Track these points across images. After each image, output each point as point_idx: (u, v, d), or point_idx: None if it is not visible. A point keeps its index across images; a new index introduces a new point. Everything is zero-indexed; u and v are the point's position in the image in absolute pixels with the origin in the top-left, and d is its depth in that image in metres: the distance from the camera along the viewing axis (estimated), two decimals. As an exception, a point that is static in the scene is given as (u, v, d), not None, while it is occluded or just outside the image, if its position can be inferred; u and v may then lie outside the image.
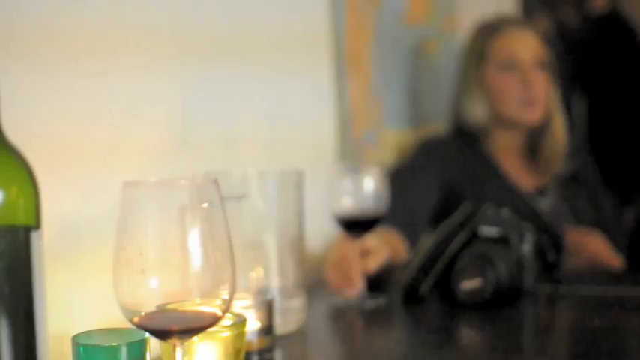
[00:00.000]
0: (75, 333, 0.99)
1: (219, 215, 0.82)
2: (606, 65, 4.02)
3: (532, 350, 1.43)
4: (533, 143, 2.36)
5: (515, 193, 2.27)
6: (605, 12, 4.15)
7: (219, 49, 1.68)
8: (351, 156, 2.18)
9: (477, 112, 2.31)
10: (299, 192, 1.49)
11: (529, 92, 2.27)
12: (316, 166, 1.88)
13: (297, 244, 1.50)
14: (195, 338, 0.85)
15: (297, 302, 1.49)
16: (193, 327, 0.83)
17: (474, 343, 1.53)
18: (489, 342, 1.49)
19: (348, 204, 1.69)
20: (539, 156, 2.35)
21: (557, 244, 1.82)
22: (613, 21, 4.13)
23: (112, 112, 1.37)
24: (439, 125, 2.59)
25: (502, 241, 1.68)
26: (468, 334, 1.58)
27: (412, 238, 2.09)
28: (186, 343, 0.85)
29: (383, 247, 1.77)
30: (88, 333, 1.00)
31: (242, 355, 1.16)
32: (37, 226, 0.93)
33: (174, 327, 0.82)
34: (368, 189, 1.69)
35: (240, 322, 1.16)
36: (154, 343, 0.99)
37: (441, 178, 2.25)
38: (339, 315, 1.66)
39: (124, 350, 0.96)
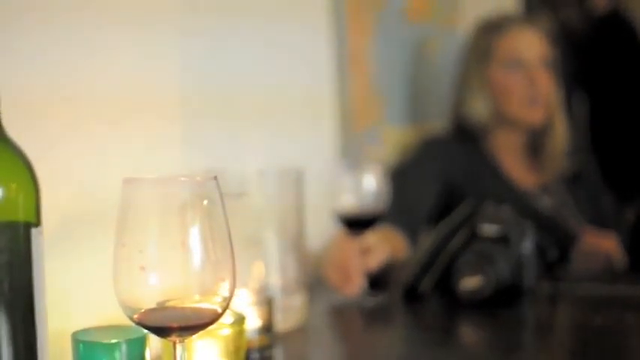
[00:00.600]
0: (75, 330, 0.99)
1: (219, 212, 0.82)
2: (608, 65, 4.01)
3: (532, 349, 1.43)
4: (535, 142, 2.36)
5: (515, 191, 2.26)
6: (607, 11, 4.14)
7: (222, 43, 1.68)
8: (351, 153, 2.18)
9: (479, 110, 2.30)
10: (299, 189, 1.49)
11: (534, 91, 2.27)
12: (317, 163, 1.88)
13: (297, 242, 1.50)
14: (195, 336, 0.85)
15: (298, 300, 1.49)
16: (193, 324, 0.83)
17: (474, 341, 1.53)
18: (489, 340, 1.49)
19: (349, 201, 1.69)
20: (541, 155, 2.35)
21: (559, 243, 1.82)
22: (615, 20, 4.12)
23: (109, 104, 1.36)
24: (441, 123, 2.58)
25: (502, 239, 1.67)
26: (468, 333, 1.58)
27: (412, 237, 2.09)
28: (186, 341, 0.84)
29: (383, 245, 1.77)
30: (87, 330, 1.00)
31: (242, 352, 1.16)
32: (37, 222, 0.92)
33: (174, 324, 0.82)
34: (368, 186, 1.69)
35: (240, 319, 1.16)
36: (153, 341, 0.99)
37: (441, 177, 2.25)
38: (339, 313, 1.66)
39: (123, 347, 0.96)
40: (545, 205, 2.28)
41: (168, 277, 0.80)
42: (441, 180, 2.25)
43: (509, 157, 2.34)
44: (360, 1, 2.29)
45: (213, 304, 0.82)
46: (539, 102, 2.28)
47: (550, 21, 2.41)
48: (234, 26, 1.72)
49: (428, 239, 1.80)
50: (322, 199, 1.70)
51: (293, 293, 1.48)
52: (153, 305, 0.80)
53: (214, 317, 0.83)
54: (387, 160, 2.31)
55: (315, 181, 1.65)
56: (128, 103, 1.40)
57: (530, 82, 2.27)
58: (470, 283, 1.61)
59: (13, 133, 0.92)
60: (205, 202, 0.81)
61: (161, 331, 0.83)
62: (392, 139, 2.45)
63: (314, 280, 1.73)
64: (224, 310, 0.83)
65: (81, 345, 0.97)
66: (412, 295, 1.70)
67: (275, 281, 1.46)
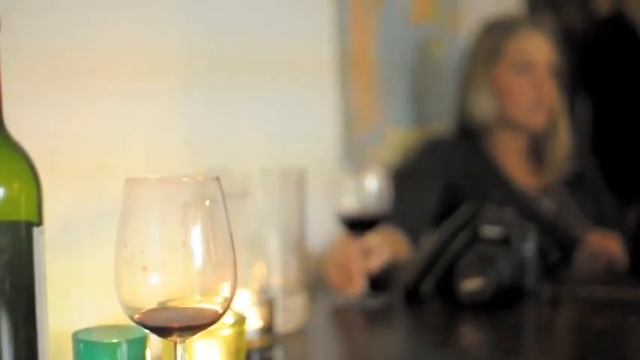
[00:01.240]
0: (76, 329, 0.99)
1: (221, 213, 0.82)
2: (610, 66, 4.01)
3: (533, 351, 1.43)
4: (537, 145, 2.36)
5: (516, 194, 2.26)
6: (610, 13, 4.14)
7: (223, 51, 1.68)
8: (353, 155, 2.18)
9: (484, 109, 2.30)
10: (301, 190, 1.49)
11: (539, 96, 2.27)
12: (319, 164, 1.88)
13: (299, 243, 1.50)
14: (195, 336, 0.85)
15: (299, 301, 1.49)
16: (194, 325, 0.83)
17: (475, 343, 1.53)
18: (490, 342, 1.49)
19: (351, 203, 1.69)
20: (543, 158, 2.35)
21: (560, 246, 1.82)
22: (618, 22, 4.12)
23: (113, 108, 1.36)
24: (443, 125, 2.58)
25: (504, 241, 1.67)
26: (469, 335, 1.58)
27: (414, 238, 2.09)
28: (186, 341, 0.84)
29: (385, 247, 1.77)
30: (88, 329, 1.00)
31: (243, 353, 1.16)
32: (39, 222, 0.92)
33: (175, 324, 0.82)
34: (370, 188, 1.69)
35: (241, 320, 1.16)
36: (154, 341, 0.99)
37: (443, 179, 2.25)
38: (341, 314, 1.66)
39: (124, 347, 0.96)
40: (546, 208, 2.28)
41: (169, 277, 0.80)
42: (442, 181, 2.24)
43: (511, 159, 2.34)
44: (363, 2, 2.29)
45: (214, 305, 0.82)
46: (543, 107, 2.28)
47: (553, 22, 2.40)
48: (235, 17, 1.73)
49: (429, 241, 1.80)
50: (324, 200, 1.70)
51: (294, 294, 1.48)
52: (154, 305, 0.80)
53: (215, 318, 0.83)
54: (389, 162, 2.31)
55: (318, 182, 1.65)
56: (131, 105, 1.41)
57: (536, 87, 2.26)
58: (471, 284, 1.61)
59: (15, 132, 0.92)
60: (207, 202, 0.81)
61: (162, 332, 0.83)
62: (394, 140, 2.45)
63: (315, 280, 1.73)
64: (225, 311, 0.83)
65: (81, 345, 0.97)
66: (413, 297, 1.70)
67: (276, 282, 1.46)
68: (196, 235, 0.80)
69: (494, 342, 1.47)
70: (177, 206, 0.81)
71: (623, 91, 3.96)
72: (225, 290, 0.82)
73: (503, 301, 1.61)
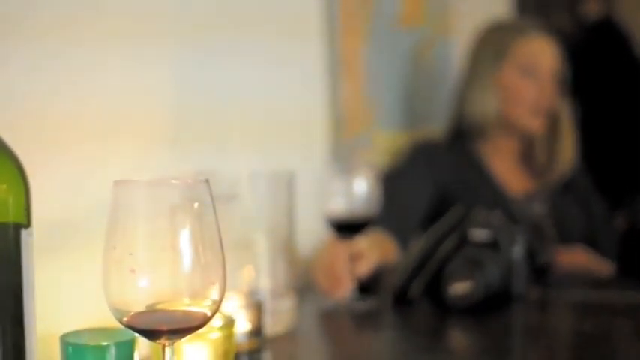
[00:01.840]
0: (64, 332, 0.99)
1: (210, 215, 0.82)
2: (599, 71, 4.02)
3: (521, 354, 1.43)
4: (529, 150, 2.36)
5: (504, 197, 2.26)
6: (599, 18, 4.15)
7: (211, 46, 1.68)
8: (343, 158, 2.18)
9: (485, 108, 2.28)
10: (290, 193, 1.49)
11: (542, 101, 2.27)
12: (308, 167, 1.88)
13: (287, 245, 1.50)
14: (184, 339, 0.85)
15: (287, 303, 1.49)
16: (183, 327, 0.83)
17: (464, 346, 1.53)
18: (479, 345, 1.49)
19: (340, 206, 1.69)
20: (535, 162, 2.35)
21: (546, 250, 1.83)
22: (607, 27, 4.13)
23: (101, 109, 1.36)
24: (432, 128, 2.59)
25: (492, 244, 1.68)
26: (458, 338, 1.58)
27: (403, 241, 2.09)
28: (175, 344, 0.84)
29: (373, 251, 1.77)
30: (76, 332, 1.00)
31: (231, 356, 1.16)
32: (27, 224, 0.92)
33: (164, 327, 0.82)
34: (359, 191, 1.69)
35: (229, 322, 1.16)
36: (142, 343, 0.99)
37: (432, 182, 2.25)
38: (329, 317, 1.66)
39: (112, 350, 0.96)
40: (534, 213, 2.28)
41: (158, 279, 0.80)
42: (431, 185, 2.24)
43: (503, 162, 2.34)
44: (353, 6, 2.29)
45: (203, 307, 0.82)
46: (541, 112, 2.28)
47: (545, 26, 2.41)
48: (224, 34, 1.72)
49: (418, 244, 1.80)
50: (313, 203, 1.70)
51: (282, 297, 1.48)
52: (142, 308, 0.80)
53: (204, 320, 0.83)
54: (379, 165, 2.31)
55: (306, 184, 1.65)
56: (120, 108, 1.40)
57: (539, 91, 2.26)
58: (459, 288, 1.61)
59: (7, 137, 0.92)
60: (196, 204, 0.81)
61: (150, 334, 0.83)
62: (383, 143, 2.45)
63: (304, 284, 1.73)
64: (214, 314, 0.83)
65: (70, 347, 0.96)
66: (402, 300, 1.70)
67: (265, 285, 1.46)
68: (185, 237, 0.80)
69: (483, 345, 1.48)
70: (165, 208, 0.81)
71: (612, 95, 3.98)
72: (213, 293, 0.82)
73: (492, 304, 1.62)
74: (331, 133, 2.16)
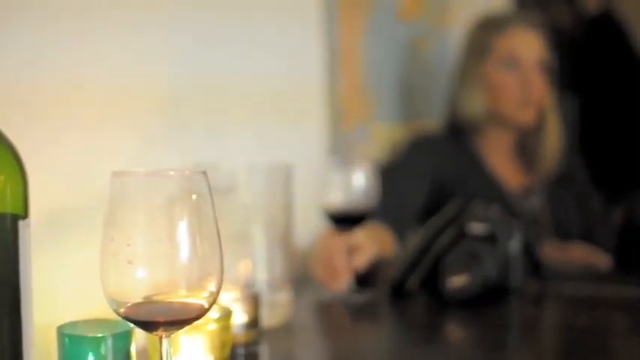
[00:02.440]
0: (61, 323, 0.99)
1: (207, 207, 0.82)
2: (598, 66, 4.02)
3: (518, 348, 1.43)
4: (525, 143, 2.36)
5: (502, 191, 2.27)
6: (599, 12, 4.14)
7: (210, 39, 1.68)
8: (341, 150, 2.18)
9: (474, 106, 2.30)
10: (288, 185, 1.49)
11: (527, 92, 2.27)
12: (306, 160, 1.87)
13: (285, 238, 1.50)
14: (181, 330, 0.85)
15: (284, 296, 1.49)
16: (180, 319, 0.83)
17: (460, 339, 1.53)
18: (475, 339, 1.49)
19: (338, 198, 1.69)
20: (530, 156, 2.35)
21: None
22: (606, 21, 4.12)
23: (96, 98, 1.36)
24: (430, 121, 2.59)
25: (490, 238, 1.67)
26: (454, 331, 1.58)
27: (401, 234, 2.09)
28: (172, 336, 0.84)
29: (371, 243, 1.77)
30: (73, 323, 1.00)
31: (228, 348, 1.16)
32: (25, 215, 0.92)
33: (161, 319, 0.82)
34: (358, 183, 1.69)
35: (226, 315, 1.16)
36: (139, 335, 0.98)
37: (430, 175, 2.25)
38: (326, 309, 1.66)
39: (109, 341, 0.96)
40: (531, 207, 2.29)
41: (155, 271, 0.80)
42: (429, 178, 2.25)
43: (499, 156, 2.34)
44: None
45: (200, 299, 0.82)
46: (531, 103, 2.28)
47: (542, 20, 2.41)
48: (224, 23, 1.72)
49: (416, 237, 1.80)
50: (311, 196, 1.70)
51: (280, 289, 1.48)
52: (139, 299, 0.80)
53: (201, 312, 0.83)
54: (377, 158, 2.31)
55: (305, 177, 1.65)
56: (118, 98, 1.40)
57: (524, 83, 2.27)
58: (457, 281, 1.62)
59: (3, 127, 0.92)
60: (194, 196, 0.81)
61: (147, 326, 0.83)
62: (381, 136, 2.45)
63: (301, 276, 1.73)
64: (211, 305, 0.83)
65: (66, 338, 0.96)
66: (399, 293, 1.70)
67: (262, 277, 1.46)
68: (182, 229, 0.80)
69: (480, 339, 1.48)
70: (163, 200, 0.81)
71: (610, 90, 3.98)
72: (210, 285, 0.82)
73: (489, 298, 1.62)
74: (330, 125, 2.16)
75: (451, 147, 2.31)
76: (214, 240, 0.82)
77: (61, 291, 1.24)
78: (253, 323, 1.30)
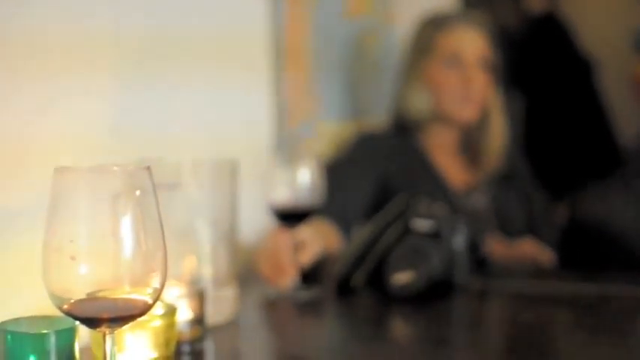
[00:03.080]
0: (2, 320, 0.98)
1: (151, 203, 0.82)
2: (543, 65, 4.07)
3: (462, 343, 1.44)
4: (469, 141, 2.37)
5: (445, 189, 2.28)
6: (544, 12, 4.19)
7: (153, 37, 1.67)
8: (287, 147, 2.18)
9: (418, 104, 2.31)
10: (233, 181, 1.49)
11: (468, 89, 2.28)
12: (251, 155, 1.87)
13: (230, 234, 1.49)
14: (125, 327, 0.85)
15: (230, 292, 1.48)
16: (124, 315, 0.82)
17: (406, 335, 1.54)
18: (420, 335, 1.50)
19: (283, 195, 1.69)
20: (475, 154, 2.37)
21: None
22: (550, 22, 4.17)
23: (40, 95, 1.35)
24: (377, 118, 2.59)
25: (435, 235, 1.68)
26: (400, 327, 1.59)
27: (346, 231, 2.09)
28: (116, 332, 0.84)
29: (316, 240, 1.77)
30: (16, 320, 0.99)
31: (172, 344, 1.15)
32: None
33: (105, 315, 0.81)
34: (303, 180, 1.69)
35: (171, 311, 1.15)
36: (83, 332, 0.98)
37: (376, 172, 2.26)
38: (272, 306, 1.66)
39: (52, 338, 0.95)
40: (475, 204, 2.30)
41: (98, 267, 0.79)
42: (375, 175, 2.25)
43: (443, 154, 2.35)
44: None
45: (144, 296, 0.81)
46: (472, 100, 2.29)
47: (487, 20, 2.43)
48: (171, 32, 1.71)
49: (361, 233, 1.81)
50: (256, 192, 1.70)
51: (225, 285, 1.48)
52: (83, 296, 0.80)
53: (145, 308, 0.83)
54: (323, 154, 2.31)
55: (250, 173, 1.64)
56: (57, 89, 1.39)
57: (465, 80, 2.28)
58: (402, 277, 1.62)
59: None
60: (138, 192, 0.81)
61: (91, 322, 0.83)
62: (328, 132, 2.45)
63: (246, 272, 1.72)
64: (155, 302, 0.83)
65: (9, 336, 0.95)
66: (345, 289, 1.70)
67: (207, 273, 1.45)
68: (126, 225, 0.79)
69: (425, 334, 1.49)
70: (107, 196, 0.80)
71: (555, 89, 4.02)
72: (155, 281, 0.81)
73: (434, 294, 1.63)
74: (275, 122, 2.16)
75: (396, 144, 2.32)
76: (158, 236, 0.82)
77: (4, 287, 1.22)
78: (198, 320, 1.29)
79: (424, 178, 2.29)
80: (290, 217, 1.70)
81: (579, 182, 2.92)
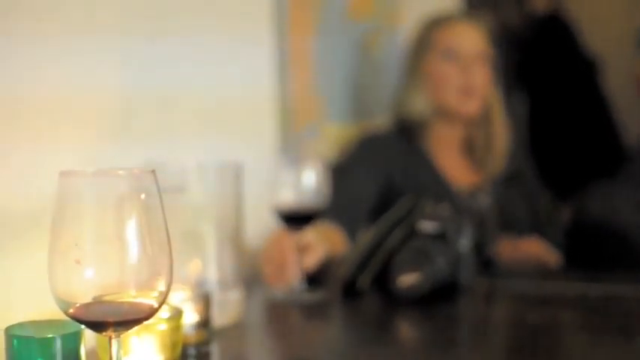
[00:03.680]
0: (8, 325, 0.98)
1: (157, 206, 0.82)
2: (547, 65, 4.06)
3: (468, 346, 1.44)
4: (473, 141, 2.37)
5: (450, 190, 2.28)
6: (547, 13, 4.19)
7: (160, 38, 1.67)
8: (291, 149, 2.18)
9: (418, 103, 2.31)
10: (238, 184, 1.49)
11: (468, 82, 2.28)
12: (256, 158, 1.87)
13: (235, 237, 1.49)
14: (131, 331, 0.85)
15: (235, 295, 1.48)
16: (129, 319, 0.82)
17: (411, 337, 1.54)
18: (426, 337, 1.50)
19: (288, 197, 1.69)
20: (479, 154, 2.36)
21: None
22: (554, 22, 4.17)
23: (47, 97, 1.35)
24: (381, 120, 2.59)
25: (440, 236, 1.68)
26: (405, 329, 1.59)
27: (352, 233, 2.09)
28: (122, 336, 0.84)
29: (321, 242, 1.77)
30: (21, 325, 0.99)
31: (178, 348, 1.15)
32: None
33: (110, 319, 0.81)
34: (308, 182, 1.69)
35: (177, 314, 1.15)
36: (89, 335, 0.98)
37: (380, 174, 2.26)
38: (277, 308, 1.66)
39: (58, 342, 0.95)
40: (479, 205, 2.30)
41: (104, 271, 0.79)
42: (379, 177, 2.25)
43: (447, 155, 2.35)
44: (302, -1, 2.29)
45: (150, 299, 0.81)
46: (473, 93, 2.29)
47: (491, 20, 2.42)
48: (174, 26, 1.71)
49: (366, 235, 1.80)
50: (261, 195, 1.70)
51: (230, 288, 1.48)
52: (89, 300, 0.80)
53: (151, 312, 0.82)
54: (327, 156, 2.31)
55: (255, 176, 1.64)
56: (68, 98, 1.39)
57: (463, 72, 2.28)
58: (407, 279, 1.62)
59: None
60: (143, 195, 0.81)
61: (97, 326, 0.83)
62: (332, 135, 2.45)
63: (252, 275, 1.72)
64: (160, 305, 0.83)
65: (15, 340, 0.95)
66: (350, 292, 1.70)
67: (212, 276, 1.45)
68: (132, 228, 0.79)
69: (431, 336, 1.48)
70: (112, 199, 0.80)
71: (560, 88, 4.02)
72: (160, 284, 0.81)
73: (440, 295, 1.62)
74: (280, 124, 2.16)
75: (400, 145, 2.32)
76: (164, 239, 0.81)
77: (11, 292, 1.22)
78: (204, 323, 1.29)
79: (428, 179, 2.29)
80: (295, 220, 1.69)
81: (584, 182, 2.91)
